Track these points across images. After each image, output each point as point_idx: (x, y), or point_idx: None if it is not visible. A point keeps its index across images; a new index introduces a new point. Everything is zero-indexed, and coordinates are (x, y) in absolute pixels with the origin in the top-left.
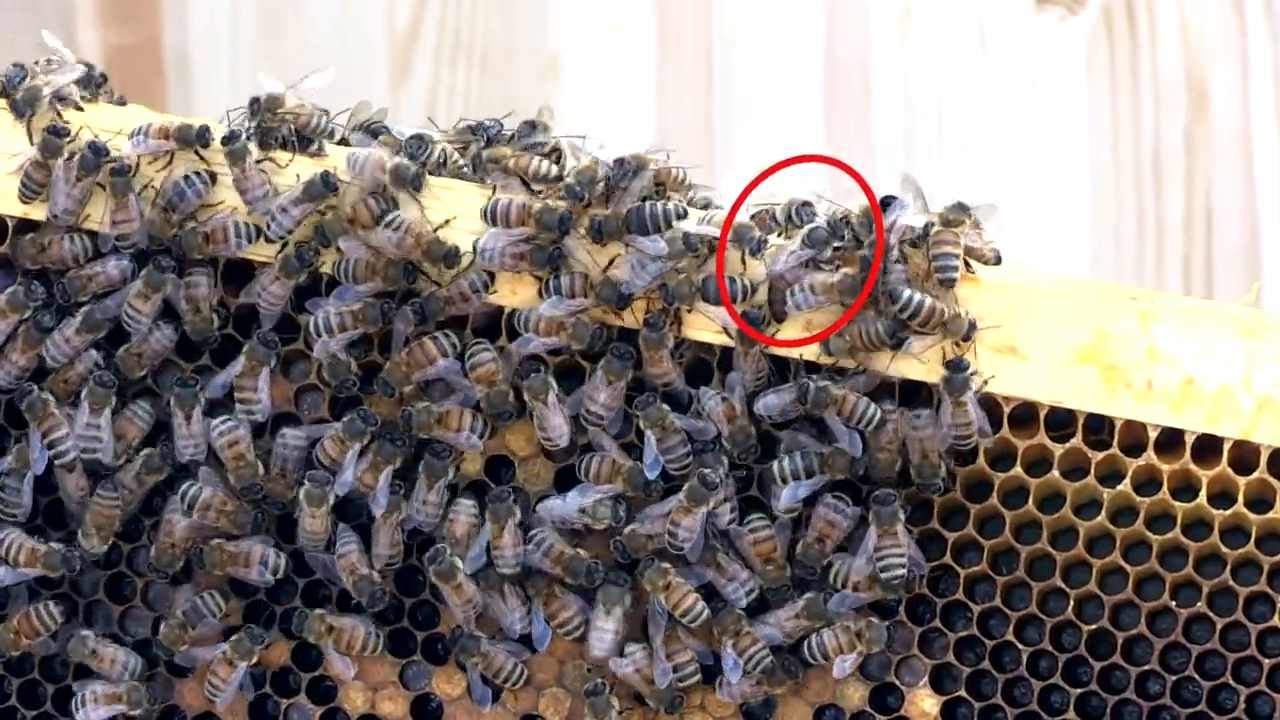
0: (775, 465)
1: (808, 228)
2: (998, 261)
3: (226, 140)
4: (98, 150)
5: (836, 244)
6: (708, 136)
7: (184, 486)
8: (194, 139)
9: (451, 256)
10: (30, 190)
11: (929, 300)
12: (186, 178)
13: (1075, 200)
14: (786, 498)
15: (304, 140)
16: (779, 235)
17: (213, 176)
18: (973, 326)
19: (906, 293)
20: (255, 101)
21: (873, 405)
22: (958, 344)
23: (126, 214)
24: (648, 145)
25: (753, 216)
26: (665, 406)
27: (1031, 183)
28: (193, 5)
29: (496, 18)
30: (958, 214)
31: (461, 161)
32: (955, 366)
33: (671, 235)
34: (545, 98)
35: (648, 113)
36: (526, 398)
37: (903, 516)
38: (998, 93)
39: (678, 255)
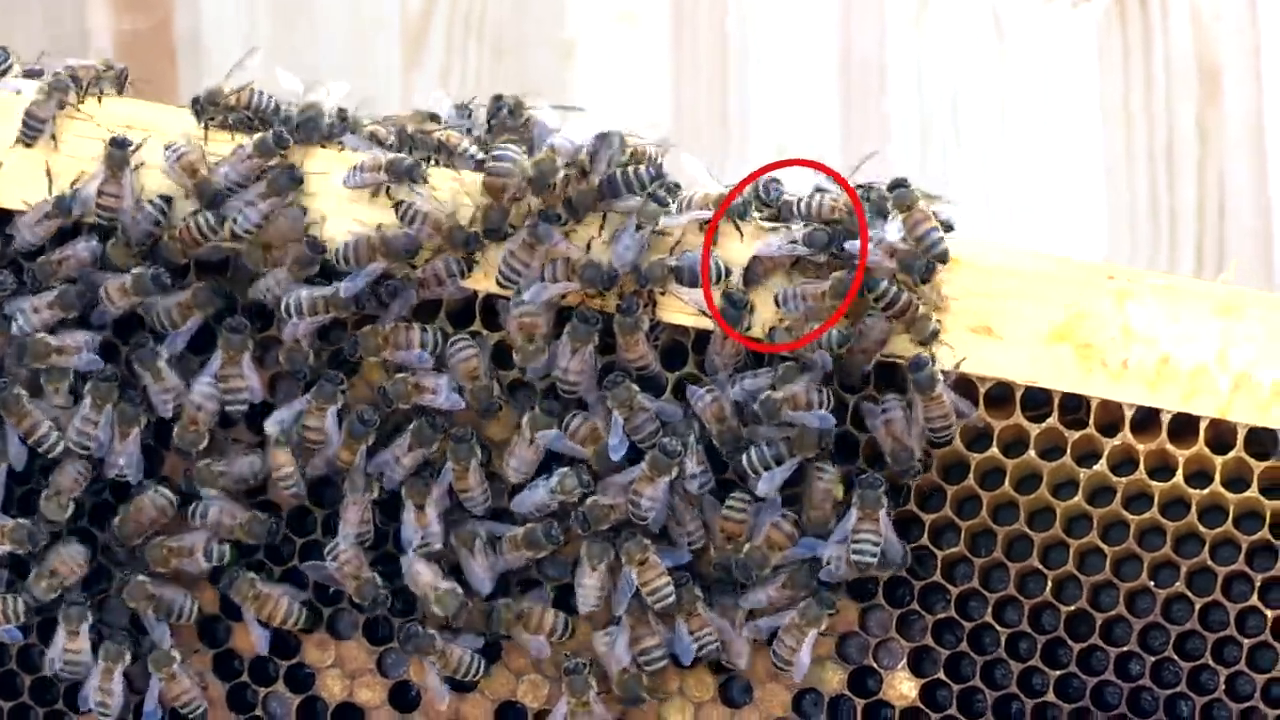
0: (744, 459)
1: (810, 228)
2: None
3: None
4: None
5: (834, 251)
6: (723, 123)
7: (193, 505)
8: (208, 199)
9: (473, 241)
10: (31, 130)
11: (905, 294)
12: (143, 209)
13: (1089, 188)
14: (764, 487)
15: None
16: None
17: (168, 200)
18: (934, 335)
19: (884, 283)
20: (196, 101)
21: (822, 390)
22: (920, 342)
23: (117, 188)
24: (627, 126)
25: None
26: (634, 387)
27: (1046, 171)
28: None
29: (510, 2)
30: (908, 196)
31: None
32: (916, 366)
33: (635, 204)
34: (560, 84)
35: (663, 100)
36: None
37: (885, 503)
38: (1013, 81)
39: (651, 218)
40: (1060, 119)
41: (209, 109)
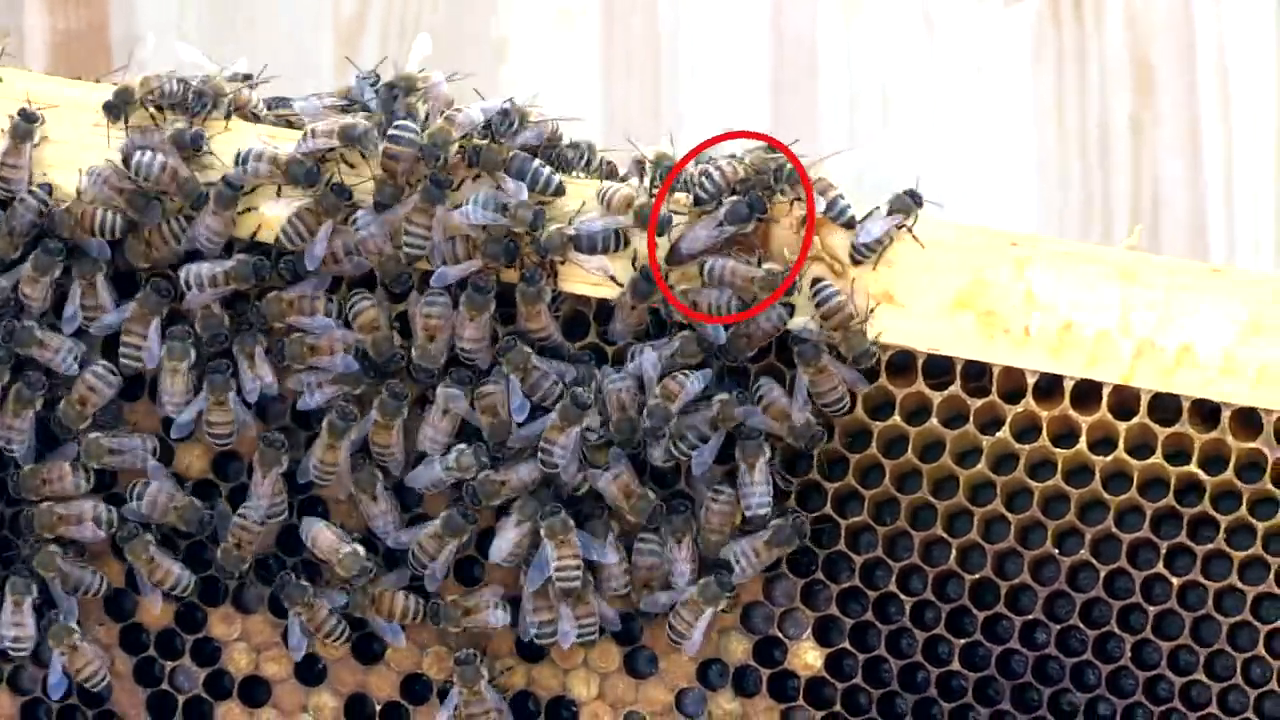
0: (673, 450)
1: (730, 203)
2: None
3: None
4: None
5: (760, 217)
6: (655, 119)
7: (133, 484)
8: (141, 209)
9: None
10: None
11: (840, 297)
12: (23, 200)
13: (1022, 185)
14: (698, 469)
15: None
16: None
17: (49, 189)
18: (869, 355)
19: (825, 282)
20: (109, 107)
21: (693, 376)
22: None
23: (18, 159)
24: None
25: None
26: (527, 349)
27: (978, 168)
28: None
29: (444, 3)
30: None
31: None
32: (799, 338)
33: (523, 204)
34: (493, 82)
35: (595, 96)
36: None
37: (766, 451)
38: (944, 78)
39: (521, 223)
40: (992, 116)
41: (123, 109)
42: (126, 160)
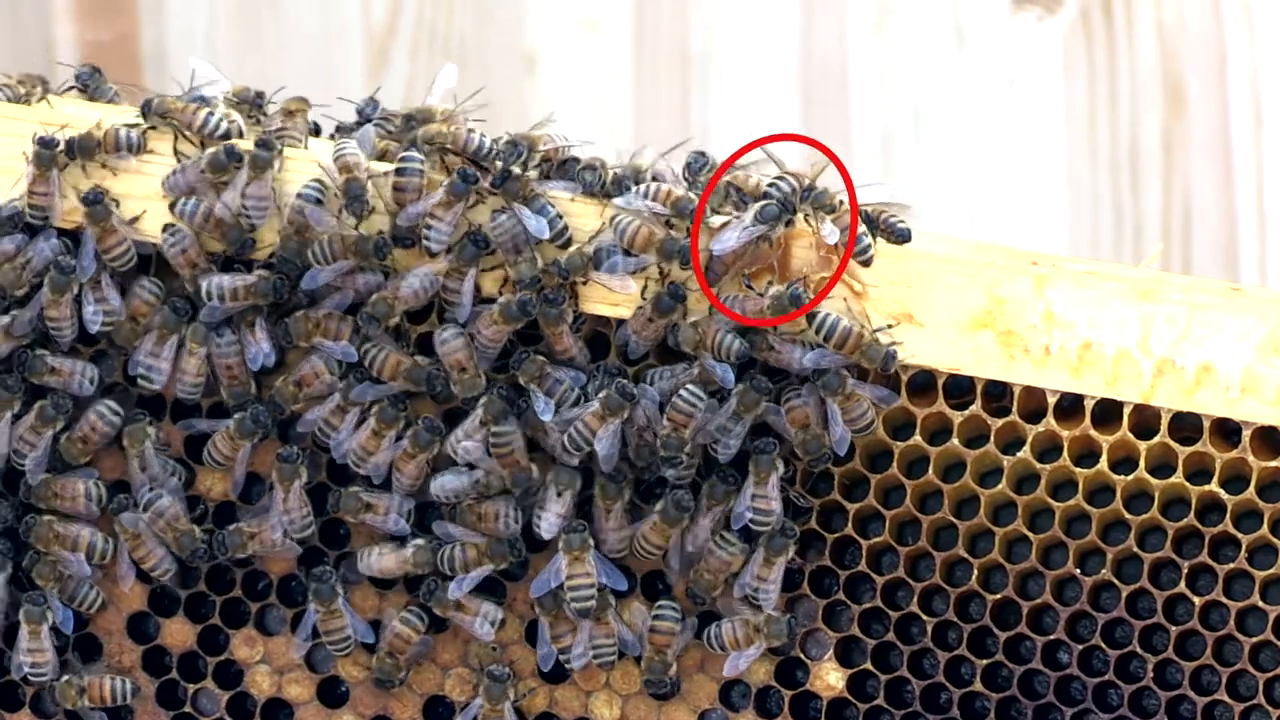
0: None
1: (759, 204)
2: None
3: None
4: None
5: (789, 218)
6: (684, 133)
7: (146, 494)
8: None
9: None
10: None
11: (844, 321)
12: (48, 239)
13: (1053, 200)
14: (725, 455)
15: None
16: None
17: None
18: (891, 357)
19: (823, 312)
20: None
21: (696, 392)
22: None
23: (46, 186)
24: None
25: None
26: (540, 358)
27: (1009, 182)
28: (170, 1)
29: (473, 13)
30: (826, 197)
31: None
32: (818, 372)
33: (530, 260)
34: (522, 93)
35: (624, 109)
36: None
37: (780, 468)
38: (975, 92)
39: (518, 274)
40: (1023, 130)
41: (80, 156)
42: (172, 206)
